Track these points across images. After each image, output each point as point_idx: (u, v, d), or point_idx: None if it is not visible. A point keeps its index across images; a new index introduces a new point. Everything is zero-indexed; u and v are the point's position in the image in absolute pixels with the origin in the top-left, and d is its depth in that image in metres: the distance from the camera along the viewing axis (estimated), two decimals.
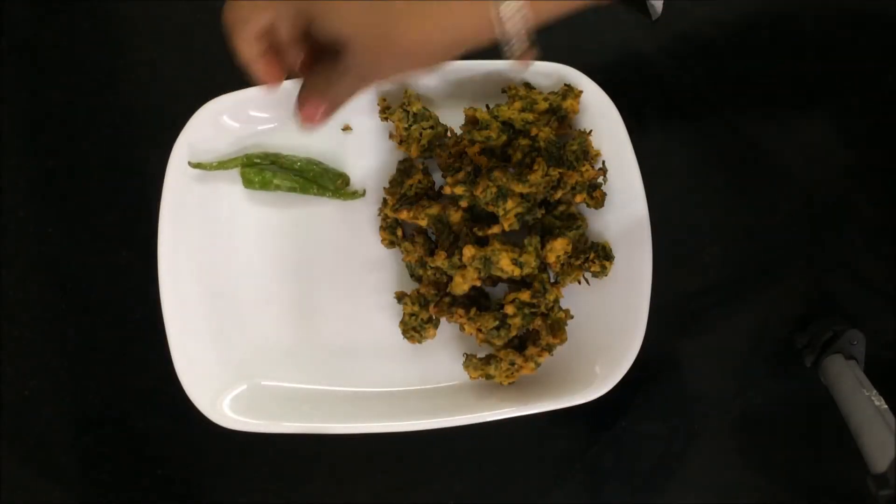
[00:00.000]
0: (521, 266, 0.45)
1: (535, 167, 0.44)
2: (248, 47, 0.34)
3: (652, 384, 0.51)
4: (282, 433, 0.47)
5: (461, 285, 0.45)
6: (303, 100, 0.36)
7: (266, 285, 0.50)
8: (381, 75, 0.34)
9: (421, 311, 0.47)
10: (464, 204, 0.46)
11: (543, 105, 0.46)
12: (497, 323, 0.45)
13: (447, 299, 0.47)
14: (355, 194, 0.50)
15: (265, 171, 0.49)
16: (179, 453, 0.52)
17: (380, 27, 0.32)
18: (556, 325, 0.47)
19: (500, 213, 0.45)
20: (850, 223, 0.51)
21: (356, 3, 0.31)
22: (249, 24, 0.33)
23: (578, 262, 0.47)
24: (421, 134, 0.47)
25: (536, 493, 0.52)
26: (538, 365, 0.46)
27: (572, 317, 0.47)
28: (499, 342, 0.46)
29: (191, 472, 0.52)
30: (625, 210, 0.47)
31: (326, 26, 0.32)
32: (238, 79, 0.48)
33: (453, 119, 0.49)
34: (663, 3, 0.50)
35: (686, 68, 0.51)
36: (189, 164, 0.48)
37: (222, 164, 0.49)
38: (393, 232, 0.49)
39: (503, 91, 0.48)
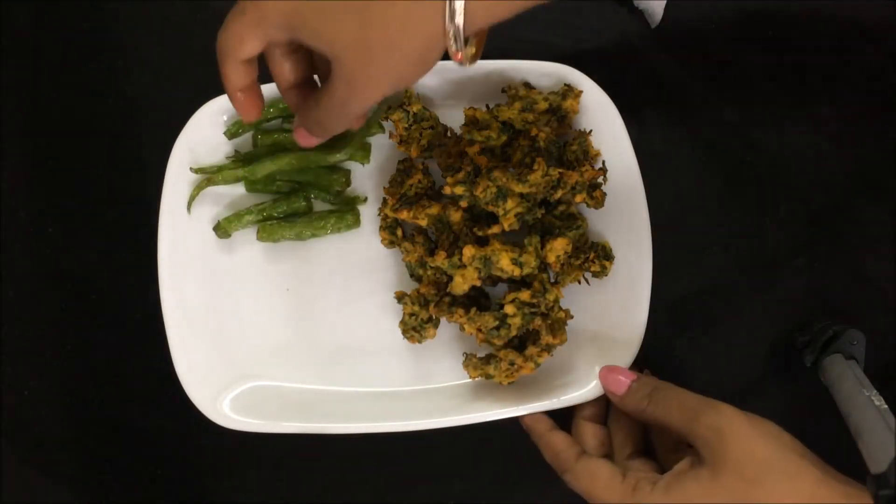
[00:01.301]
0: (521, 266, 0.45)
1: (535, 167, 0.44)
2: (235, 77, 0.36)
3: None
4: (282, 433, 0.47)
5: (461, 285, 0.45)
6: (297, 127, 0.39)
7: (266, 285, 0.50)
8: (363, 95, 0.35)
9: (421, 310, 0.47)
10: (464, 204, 0.46)
11: (543, 105, 0.46)
12: (497, 323, 0.45)
13: (447, 299, 0.47)
14: (356, 199, 0.50)
15: (266, 164, 0.48)
16: (179, 453, 0.52)
17: (362, 33, 0.32)
18: (556, 325, 0.47)
19: (500, 213, 0.45)
20: (849, 223, 0.51)
21: (340, 16, 0.32)
22: (239, 51, 0.35)
23: (578, 262, 0.47)
24: (421, 134, 0.47)
25: (536, 493, 0.52)
26: (538, 365, 0.46)
27: (572, 317, 0.47)
28: (499, 342, 0.46)
29: (191, 472, 0.52)
30: (625, 210, 0.47)
31: (310, 40, 0.33)
32: None
33: (453, 119, 0.49)
34: (664, 7, 0.50)
35: (687, 68, 0.51)
36: (191, 169, 0.48)
37: (224, 167, 0.49)
38: (393, 232, 0.49)
39: (503, 91, 0.48)
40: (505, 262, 0.45)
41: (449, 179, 0.46)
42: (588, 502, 0.42)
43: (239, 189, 0.50)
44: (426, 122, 0.47)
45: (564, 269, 0.47)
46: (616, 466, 0.42)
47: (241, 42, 0.34)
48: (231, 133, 0.48)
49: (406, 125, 0.47)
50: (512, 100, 0.47)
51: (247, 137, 0.49)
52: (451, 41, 0.33)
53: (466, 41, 0.33)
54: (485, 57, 0.47)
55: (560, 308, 0.47)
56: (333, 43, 0.32)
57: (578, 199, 0.46)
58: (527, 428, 0.47)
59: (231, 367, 0.49)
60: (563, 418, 0.49)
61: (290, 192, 0.50)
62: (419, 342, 0.48)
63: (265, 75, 0.48)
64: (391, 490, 0.52)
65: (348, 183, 0.50)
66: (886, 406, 0.42)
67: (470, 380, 0.49)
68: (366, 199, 0.50)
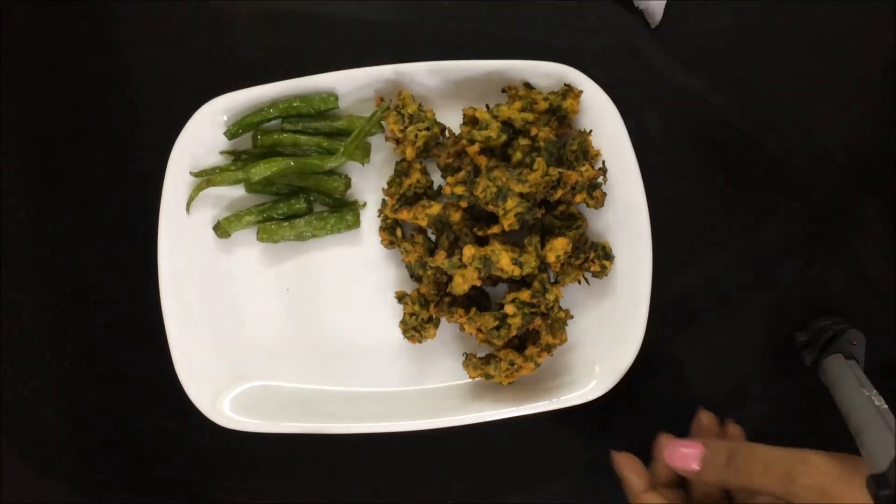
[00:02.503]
0: (521, 266, 0.45)
1: (535, 167, 0.44)
2: None
3: (652, 384, 0.51)
4: (282, 433, 0.47)
5: (461, 285, 0.45)
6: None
7: (266, 285, 0.50)
8: None
9: (421, 310, 0.47)
10: (464, 204, 0.46)
11: (543, 105, 0.46)
12: (497, 323, 0.45)
13: (447, 299, 0.47)
14: (355, 204, 0.50)
15: (261, 167, 0.48)
16: (179, 453, 0.52)
17: None
18: (556, 325, 0.47)
19: (500, 212, 0.45)
20: (849, 223, 0.51)
21: None
22: None
23: (578, 262, 0.47)
24: (416, 136, 0.47)
25: (536, 493, 0.52)
26: (538, 365, 0.46)
27: (572, 317, 0.47)
28: (499, 342, 0.46)
29: (191, 472, 0.52)
30: (625, 210, 0.47)
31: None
32: (238, 79, 0.49)
33: (453, 119, 0.49)
34: (664, 7, 0.50)
35: (687, 69, 0.51)
36: (191, 173, 0.48)
37: (224, 169, 0.49)
38: (392, 232, 0.49)
39: (503, 91, 0.48)
40: (505, 262, 0.45)
41: (449, 179, 0.46)
42: None
43: (239, 190, 0.50)
44: (421, 124, 0.47)
45: (564, 269, 0.47)
46: None
47: None
48: (231, 133, 0.48)
49: (401, 127, 0.47)
50: (512, 100, 0.47)
51: (247, 137, 0.49)
52: None
53: None
54: (485, 57, 0.47)
55: (560, 308, 0.47)
56: None
57: (578, 199, 0.46)
58: (619, 474, 0.43)
59: (231, 368, 0.49)
60: (564, 418, 0.49)
61: (289, 194, 0.50)
62: (419, 342, 0.48)
63: (260, 76, 0.48)
64: (391, 490, 0.52)
65: (348, 187, 0.50)
66: (886, 406, 0.42)
67: (470, 380, 0.49)
68: (364, 205, 0.50)
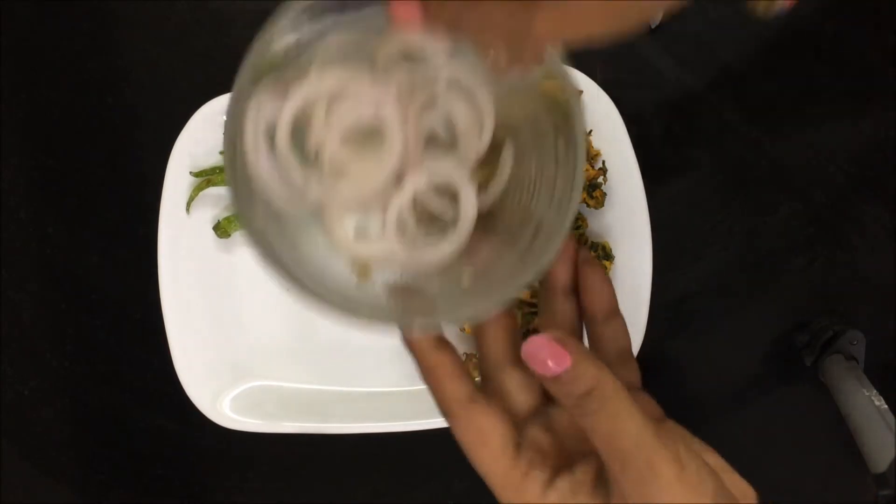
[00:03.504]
0: None
1: None
2: None
3: (651, 384, 0.51)
4: (282, 433, 0.47)
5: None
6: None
7: (266, 285, 0.50)
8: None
9: None
10: None
11: None
12: None
13: None
14: None
15: None
16: (179, 453, 0.52)
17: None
18: None
19: None
20: (849, 223, 0.51)
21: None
22: None
23: None
24: None
25: None
26: None
27: None
28: None
29: (191, 472, 0.52)
30: (625, 210, 0.47)
31: None
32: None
33: None
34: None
35: (687, 68, 0.51)
36: (190, 173, 0.48)
37: (224, 169, 0.49)
38: None
39: None
40: None
41: None
42: None
43: None
44: None
45: None
46: (514, 430, 0.29)
47: None
48: None
49: None
50: None
51: None
52: None
53: None
54: None
55: None
56: None
57: None
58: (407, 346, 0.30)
59: (231, 367, 0.49)
60: None
61: None
62: None
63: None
64: (391, 490, 0.52)
65: None
66: (886, 406, 0.42)
67: None
68: None
